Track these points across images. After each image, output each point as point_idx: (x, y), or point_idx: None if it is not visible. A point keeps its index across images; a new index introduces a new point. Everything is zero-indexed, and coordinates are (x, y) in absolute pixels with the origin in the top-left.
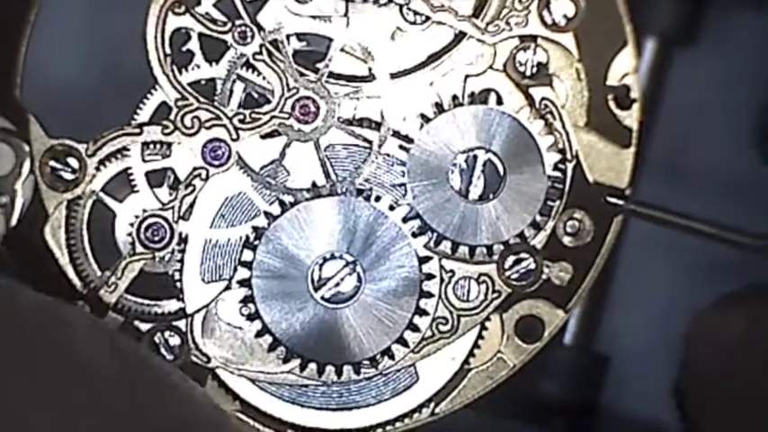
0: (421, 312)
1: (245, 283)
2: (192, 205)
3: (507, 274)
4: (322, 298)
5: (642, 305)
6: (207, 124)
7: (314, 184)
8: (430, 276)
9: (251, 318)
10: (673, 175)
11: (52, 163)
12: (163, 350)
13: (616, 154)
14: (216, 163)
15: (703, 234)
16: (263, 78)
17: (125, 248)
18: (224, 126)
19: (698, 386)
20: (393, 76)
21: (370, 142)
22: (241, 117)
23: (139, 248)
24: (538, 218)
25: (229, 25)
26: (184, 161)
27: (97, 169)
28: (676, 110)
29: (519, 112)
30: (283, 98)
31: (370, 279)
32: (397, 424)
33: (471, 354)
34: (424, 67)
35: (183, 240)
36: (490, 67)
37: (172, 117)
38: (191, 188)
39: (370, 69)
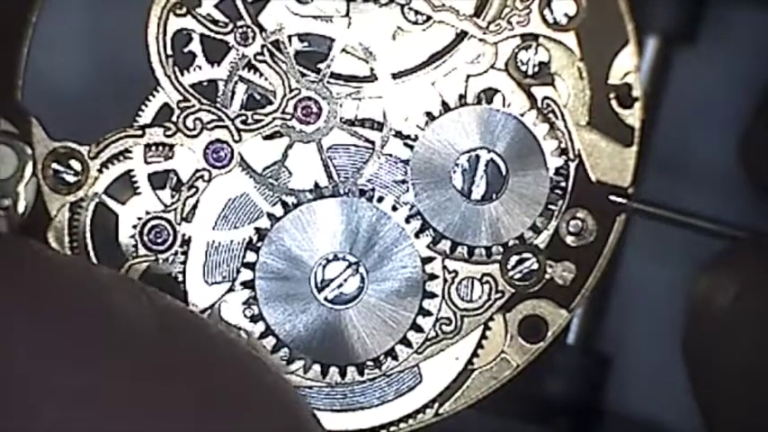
0: (424, 313)
1: (248, 284)
2: (194, 207)
3: (510, 274)
4: (325, 299)
5: (646, 305)
6: (209, 126)
7: (316, 185)
8: (433, 277)
9: (254, 319)
10: (675, 174)
11: (55, 165)
12: None
13: (618, 153)
14: (218, 164)
15: (707, 232)
16: (265, 79)
17: (128, 251)
18: (226, 127)
19: (699, 361)
20: (395, 76)
21: (373, 143)
22: (243, 118)
23: (142, 251)
24: (540, 218)
25: (231, 26)
26: (187, 163)
27: (100, 171)
28: (678, 108)
29: (521, 111)
30: (285, 99)
31: (372, 280)
32: (401, 425)
33: (475, 354)
34: (425, 67)
35: (186, 242)
36: (492, 66)
37: (174, 119)
38: (193, 190)
39: (371, 69)
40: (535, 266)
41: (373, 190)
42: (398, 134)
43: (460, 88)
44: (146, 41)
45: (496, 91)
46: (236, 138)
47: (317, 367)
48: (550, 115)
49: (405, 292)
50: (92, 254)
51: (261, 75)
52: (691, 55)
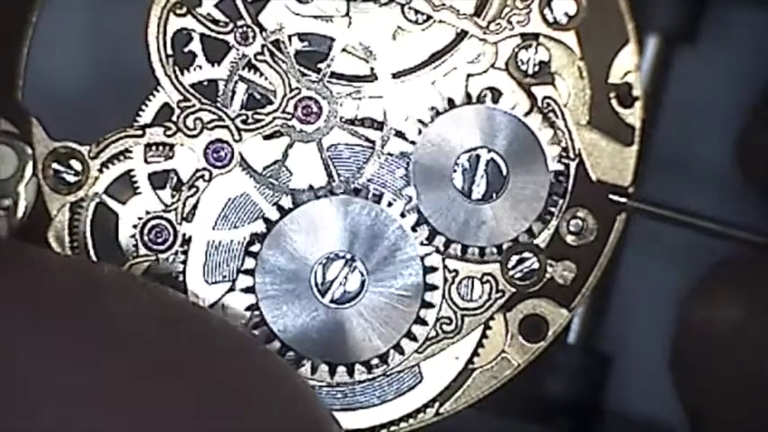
0: (425, 312)
1: (248, 284)
2: (194, 207)
3: (511, 273)
4: (330, 300)
5: (646, 304)
6: (209, 125)
7: (317, 185)
8: (433, 270)
9: (257, 326)
10: (676, 173)
11: (55, 165)
12: None
13: (619, 152)
14: (218, 164)
15: (707, 231)
16: (266, 79)
17: (128, 250)
18: (226, 127)
19: (691, 376)
20: (395, 75)
21: (373, 142)
22: (243, 118)
23: (143, 250)
24: (541, 217)
25: (231, 26)
26: (187, 163)
27: (100, 171)
28: (678, 107)
29: (522, 111)
30: (285, 99)
31: (373, 279)
32: (402, 424)
33: (475, 353)
34: (425, 67)
35: (187, 242)
36: (492, 65)
37: (174, 118)
38: (193, 189)
39: (371, 69)
40: (536, 266)
41: (374, 189)
42: (399, 134)
43: (461, 88)
44: (146, 41)
45: (497, 90)
46: (237, 137)
47: (323, 368)
48: (551, 114)
49: (407, 290)
50: (92, 254)
51: (261, 74)
52: (691, 54)
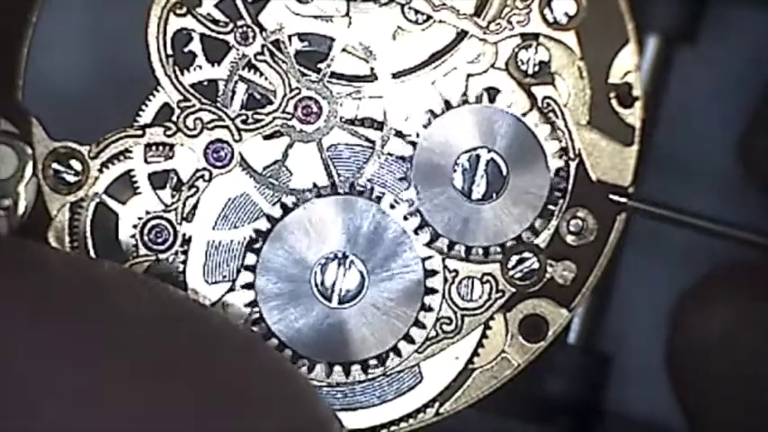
0: (426, 310)
1: (248, 284)
2: (194, 207)
3: (511, 273)
4: (329, 299)
5: (646, 304)
6: (209, 125)
7: (317, 185)
8: (433, 273)
9: (255, 323)
10: (676, 173)
11: (55, 165)
12: None
13: (619, 152)
14: (218, 164)
15: (707, 231)
16: (266, 79)
17: (128, 250)
18: (226, 127)
19: (687, 377)
20: (395, 75)
21: (373, 142)
22: (243, 118)
23: (143, 250)
24: (541, 217)
25: (231, 26)
26: (187, 162)
27: (100, 171)
28: (679, 107)
29: (521, 111)
30: (285, 99)
31: (374, 278)
32: (402, 424)
33: (475, 353)
34: (425, 67)
35: (187, 242)
36: (492, 65)
37: (174, 118)
38: (193, 189)
39: (371, 69)
40: (536, 266)
41: (374, 189)
42: (399, 134)
43: (461, 88)
44: (146, 41)
45: (497, 90)
46: (237, 137)
47: (320, 367)
48: (551, 114)
49: (405, 292)
50: (92, 254)
51: (261, 74)
52: (691, 54)
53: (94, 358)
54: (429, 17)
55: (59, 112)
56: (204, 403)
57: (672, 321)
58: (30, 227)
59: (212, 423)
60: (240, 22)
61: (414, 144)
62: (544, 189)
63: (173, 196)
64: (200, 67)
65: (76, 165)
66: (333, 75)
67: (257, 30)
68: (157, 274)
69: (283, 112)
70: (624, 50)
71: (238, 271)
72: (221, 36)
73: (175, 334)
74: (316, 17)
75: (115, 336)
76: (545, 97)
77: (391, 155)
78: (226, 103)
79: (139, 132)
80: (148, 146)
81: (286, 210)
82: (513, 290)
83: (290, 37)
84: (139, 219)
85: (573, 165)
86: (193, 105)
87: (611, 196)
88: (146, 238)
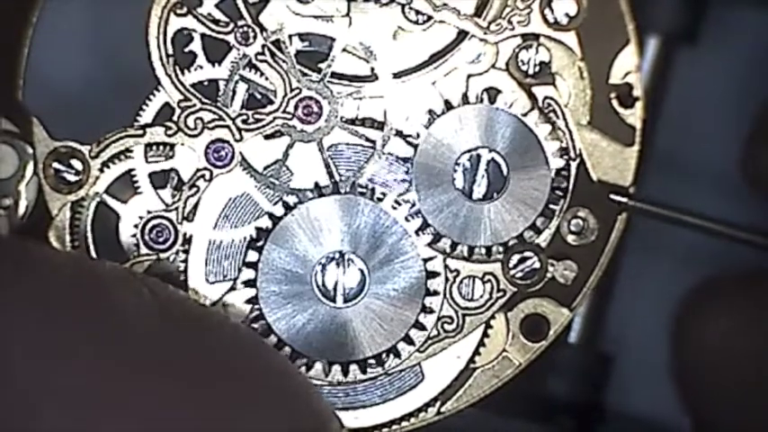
0: (426, 311)
1: (250, 283)
2: (195, 206)
3: (512, 272)
4: (331, 299)
5: (647, 304)
6: (210, 125)
7: (317, 185)
8: (434, 275)
9: (255, 319)
10: (676, 173)
11: (56, 165)
12: None
13: (619, 152)
14: (219, 164)
15: (708, 231)
16: (266, 79)
17: (129, 250)
18: (227, 127)
19: (692, 379)
20: (395, 75)
21: (374, 142)
22: (244, 118)
23: (144, 250)
24: (542, 217)
25: (231, 26)
26: (188, 162)
27: (101, 171)
28: (679, 108)
29: (522, 111)
30: (286, 98)
31: (375, 278)
32: (403, 423)
33: (477, 352)
34: (426, 67)
35: (188, 241)
36: (492, 66)
37: (175, 118)
38: (194, 189)
39: (372, 69)
40: (537, 265)
41: (374, 189)
42: (399, 134)
43: (461, 88)
44: (146, 41)
45: (497, 91)
46: (237, 137)
47: (319, 366)
48: (551, 115)
49: (407, 291)
50: (93, 253)
51: (262, 74)
52: (692, 55)
53: (94, 358)
54: (429, 17)
55: (60, 111)
56: (205, 402)
57: (674, 326)
58: (30, 226)
59: (213, 422)
60: (241, 22)
61: (414, 144)
62: (545, 188)
63: (173, 196)
64: (201, 66)
65: (77, 164)
66: (333, 75)
67: (258, 30)
68: (158, 273)
69: (284, 111)
70: (625, 51)
71: (239, 269)
72: (222, 36)
73: (175, 332)
74: (316, 17)
75: (115, 335)
76: (546, 97)
77: (392, 155)
78: (226, 102)
79: (140, 132)
80: (149, 145)
81: (288, 208)
82: (515, 289)
83: (290, 37)
84: (140, 218)
85: (574, 165)
86: (194, 105)
87: (612, 196)
88: (147, 237)
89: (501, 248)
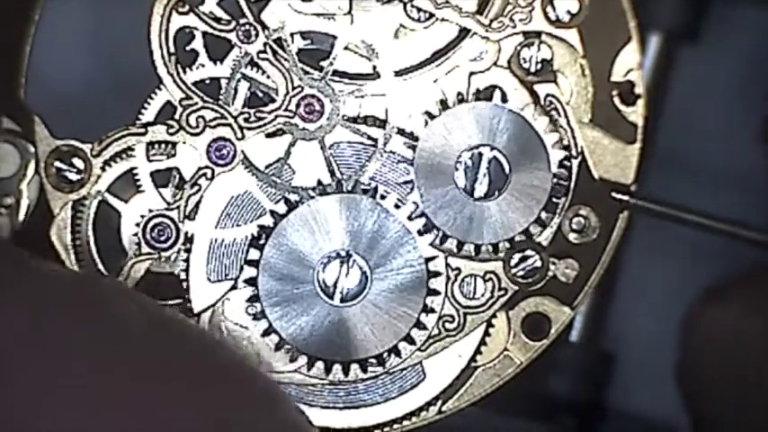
0: (428, 310)
1: (251, 282)
2: (197, 205)
3: (513, 271)
4: (332, 298)
5: (648, 302)
6: (212, 123)
7: (319, 183)
8: (436, 274)
9: (257, 317)
10: (678, 171)
11: (57, 164)
12: None
13: (621, 150)
14: (221, 162)
15: (709, 229)
16: (268, 77)
17: (131, 249)
18: (229, 125)
19: (697, 379)
20: (397, 73)
21: (375, 140)
22: (246, 116)
23: (145, 248)
24: (543, 215)
25: (233, 24)
26: (190, 161)
27: (102, 169)
28: (681, 105)
29: (524, 108)
30: (288, 97)
31: (376, 277)
32: (405, 422)
33: (478, 351)
34: (428, 65)
35: (189, 240)
36: (494, 63)
37: (177, 117)
38: (196, 188)
39: (374, 67)
40: (538, 264)
41: (376, 187)
42: (401, 131)
43: (463, 86)
44: (148, 39)
45: (499, 88)
46: (239, 135)
47: (320, 365)
48: (553, 112)
49: (408, 290)
50: (94, 252)
51: (263, 72)
52: (693, 52)
53: (94, 358)
54: (431, 15)
55: (62, 110)
56: (204, 403)
57: (683, 328)
58: (32, 225)
59: (212, 423)
60: (242, 21)
61: (416, 142)
62: (547, 183)
63: (174, 195)
64: (203, 65)
65: (79, 163)
66: (335, 73)
67: (259, 28)
68: (158, 272)
69: (286, 110)
70: (626, 48)
71: (241, 268)
72: (224, 34)
73: (173, 337)
74: (318, 15)
75: (115, 337)
76: (547, 95)
77: (394, 153)
78: (228, 101)
79: (142, 130)
80: (151, 144)
81: (290, 207)
82: (516, 288)
83: (292, 35)
84: (142, 217)
85: (575, 163)
86: (196, 103)
87: (614, 194)
88: (148, 236)
89: (502, 247)
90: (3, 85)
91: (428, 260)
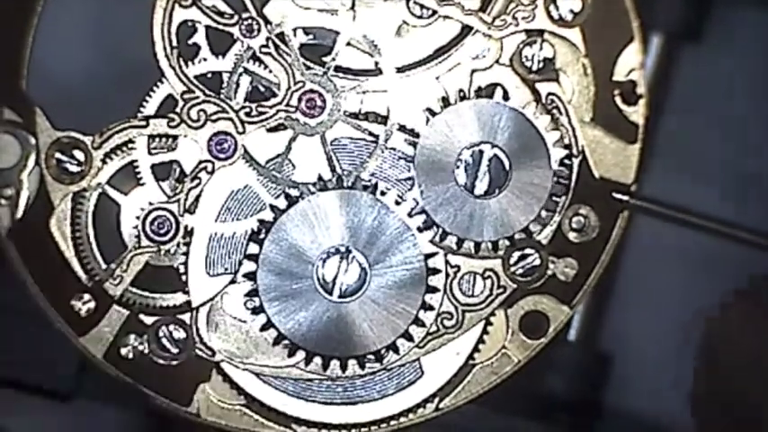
0: (426, 307)
1: (250, 276)
2: (197, 198)
3: (512, 269)
4: (331, 293)
5: (647, 302)
6: (213, 117)
7: (320, 178)
8: (435, 271)
9: (255, 311)
10: (679, 171)
11: (58, 155)
12: (167, 344)
13: (622, 149)
14: (222, 156)
15: (709, 230)
16: (270, 72)
17: (130, 241)
18: (230, 119)
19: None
20: (399, 70)
21: (377, 136)
22: (247, 110)
23: (145, 241)
24: (543, 213)
25: (236, 18)
26: (190, 154)
27: (103, 162)
28: (682, 106)
29: (525, 107)
30: (289, 91)
31: (375, 273)
32: (402, 419)
33: (476, 349)
34: (430, 62)
35: (189, 233)
36: (496, 61)
37: (178, 110)
38: (196, 181)
39: (376, 63)
40: (537, 262)
41: (376, 184)
42: (402, 128)
43: (465, 83)
44: (151, 32)
45: (501, 86)
46: (240, 130)
47: (318, 360)
48: (554, 111)
49: (407, 287)
50: (94, 244)
51: (265, 67)
52: (695, 53)
53: None
54: (434, 12)
55: (63, 101)
56: None
57: (701, 338)
58: (32, 216)
59: None
60: (245, 15)
61: (417, 139)
62: (547, 181)
63: (174, 188)
64: (205, 58)
65: (79, 155)
66: (337, 68)
67: (262, 22)
68: (158, 265)
69: (287, 104)
70: (629, 48)
71: (240, 262)
72: (226, 28)
73: None
74: (321, 10)
75: None
76: (549, 94)
77: (395, 149)
78: (230, 95)
79: (143, 123)
80: (152, 137)
81: (289, 202)
82: (515, 286)
83: (294, 30)
84: (142, 210)
85: (576, 162)
86: (197, 97)
87: (614, 194)
88: (148, 229)
89: (502, 244)
90: (4, 76)
91: (427, 257)
